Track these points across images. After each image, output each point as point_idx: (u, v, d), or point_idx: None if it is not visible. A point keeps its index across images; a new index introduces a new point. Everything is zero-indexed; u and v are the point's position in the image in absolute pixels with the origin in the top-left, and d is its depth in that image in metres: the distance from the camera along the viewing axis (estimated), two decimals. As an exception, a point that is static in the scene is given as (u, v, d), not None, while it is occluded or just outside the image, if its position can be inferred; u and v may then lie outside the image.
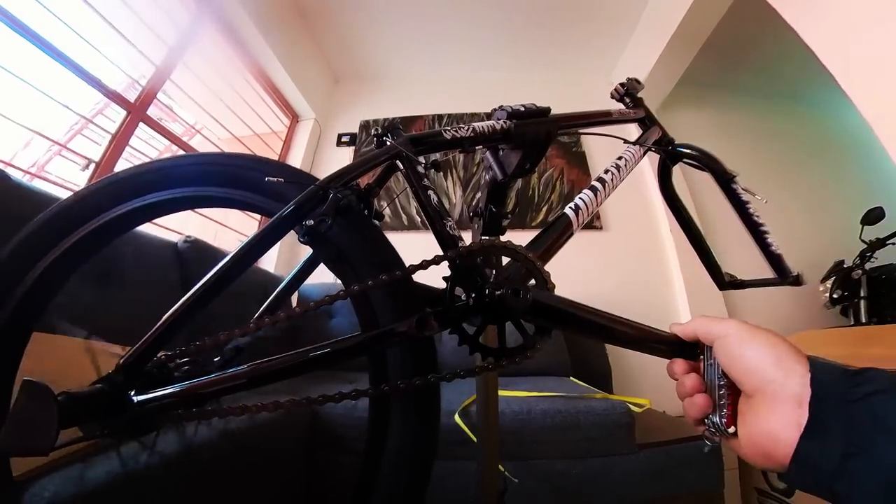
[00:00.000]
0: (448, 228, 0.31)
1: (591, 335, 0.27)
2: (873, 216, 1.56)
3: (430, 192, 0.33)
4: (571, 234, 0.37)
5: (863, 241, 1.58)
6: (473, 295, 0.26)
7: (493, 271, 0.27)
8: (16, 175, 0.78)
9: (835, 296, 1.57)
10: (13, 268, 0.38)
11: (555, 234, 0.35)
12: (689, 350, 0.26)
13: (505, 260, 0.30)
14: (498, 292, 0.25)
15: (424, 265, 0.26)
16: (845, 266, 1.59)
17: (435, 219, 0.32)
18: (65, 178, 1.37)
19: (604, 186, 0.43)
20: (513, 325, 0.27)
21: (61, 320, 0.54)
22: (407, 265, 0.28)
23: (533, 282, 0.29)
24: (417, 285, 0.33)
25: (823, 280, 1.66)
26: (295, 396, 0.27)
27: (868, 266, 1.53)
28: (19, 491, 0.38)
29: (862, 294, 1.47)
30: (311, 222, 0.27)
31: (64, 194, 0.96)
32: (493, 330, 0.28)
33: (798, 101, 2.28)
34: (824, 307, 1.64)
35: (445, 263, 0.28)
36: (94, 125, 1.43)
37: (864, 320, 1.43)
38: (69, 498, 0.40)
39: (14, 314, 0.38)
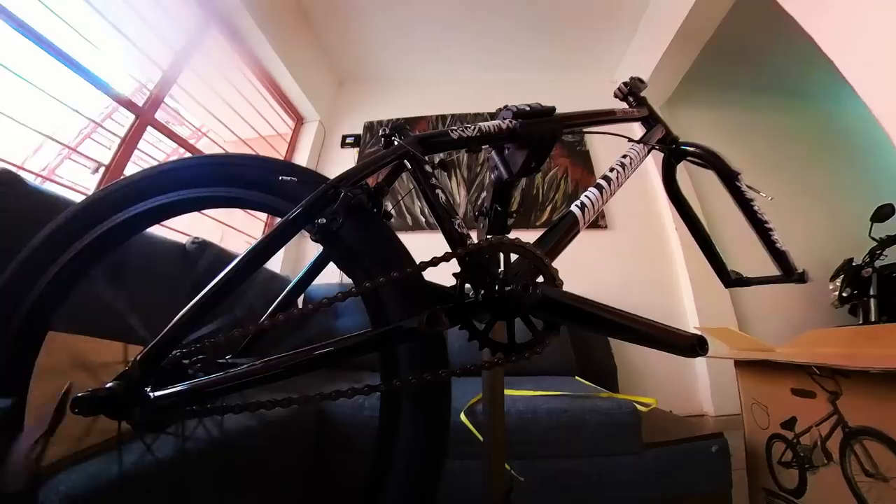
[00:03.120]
0: (457, 227, 0.32)
1: (599, 331, 0.27)
2: (883, 213, 1.54)
3: (438, 192, 0.33)
4: (578, 231, 0.37)
5: (872, 239, 1.56)
6: (483, 291, 0.27)
7: (502, 268, 0.28)
8: (30, 179, 0.80)
9: (844, 294, 1.55)
10: (31, 269, 0.39)
11: (562, 232, 0.36)
12: (699, 347, 0.26)
13: (513, 258, 0.31)
14: (507, 288, 0.25)
15: (435, 262, 0.27)
16: (855, 264, 1.57)
17: (444, 218, 0.32)
18: (75, 182, 1.39)
19: (609, 185, 0.43)
20: (522, 320, 0.27)
21: (77, 319, 0.56)
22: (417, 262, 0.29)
23: (541, 278, 0.29)
24: (426, 283, 0.34)
25: (833, 278, 1.64)
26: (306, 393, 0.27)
27: (878, 264, 1.51)
28: (36, 486, 0.39)
29: (871, 293, 1.45)
30: (323, 220, 0.28)
31: (75, 197, 0.98)
32: (502, 327, 0.29)
33: (806, 98, 2.26)
34: (833, 306, 1.62)
35: (454, 262, 0.28)
36: (103, 129, 1.45)
37: (873, 319, 1.41)
38: (84, 493, 0.41)
39: (31, 313, 0.39)
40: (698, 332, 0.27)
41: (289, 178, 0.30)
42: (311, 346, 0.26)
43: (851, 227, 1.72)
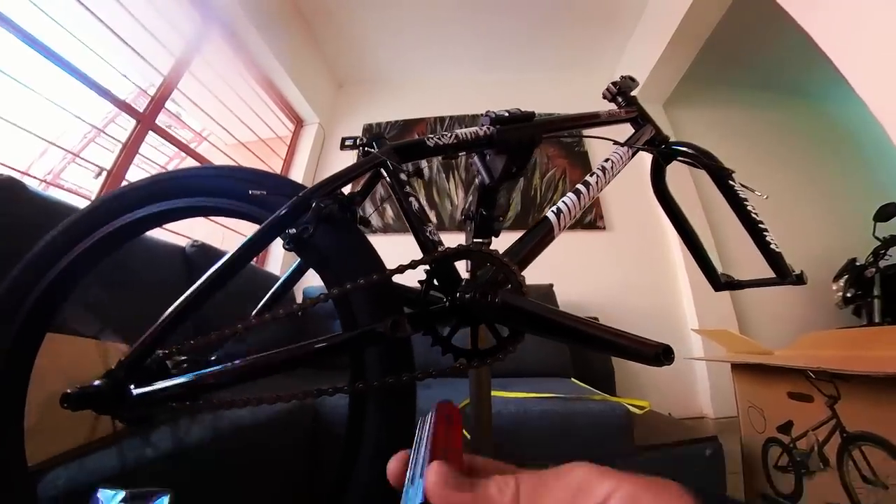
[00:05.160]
0: (428, 234, 0.32)
1: (561, 338, 0.27)
2: (887, 212, 1.51)
3: (412, 199, 0.34)
4: (553, 238, 0.37)
5: (876, 239, 1.54)
6: (448, 298, 0.27)
7: (468, 276, 0.28)
8: (32, 184, 0.82)
9: (847, 295, 1.52)
10: (33, 271, 0.41)
11: (536, 239, 0.36)
12: (663, 356, 0.26)
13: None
14: (468, 295, 0.26)
15: (401, 269, 0.28)
16: (858, 264, 1.55)
17: (416, 225, 0.33)
18: (79, 185, 1.43)
19: (588, 189, 0.43)
20: (487, 327, 0.28)
21: (76, 321, 0.58)
22: (389, 268, 0.29)
23: (509, 287, 0.29)
24: (401, 287, 0.35)
25: (836, 279, 1.61)
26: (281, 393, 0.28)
27: (882, 264, 1.49)
28: (34, 480, 0.41)
29: (875, 293, 1.43)
30: (294, 231, 0.29)
31: (77, 201, 1.01)
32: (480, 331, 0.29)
33: (807, 96, 2.23)
34: (837, 307, 1.59)
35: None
36: (105, 134, 1.49)
37: (877, 320, 1.39)
38: (80, 487, 0.42)
39: (30, 316, 0.41)
40: (664, 343, 0.27)
41: (258, 192, 0.32)
42: (282, 349, 0.27)
43: (855, 226, 1.69)
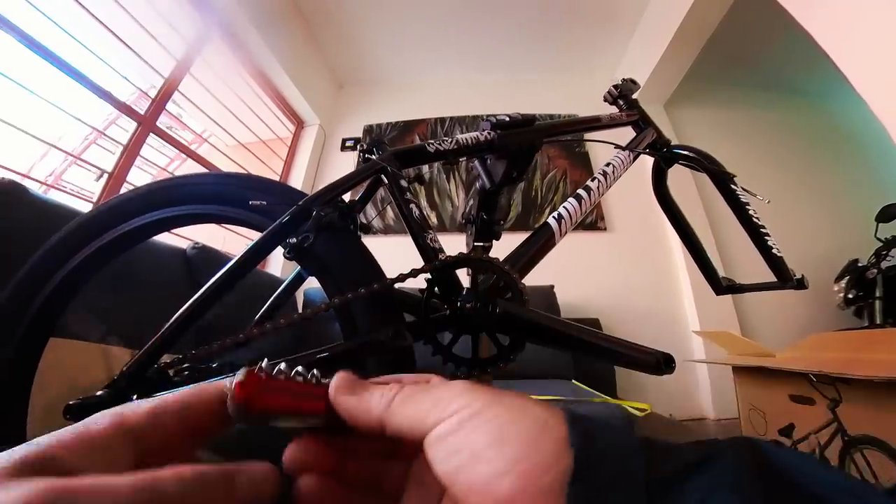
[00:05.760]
0: (429, 241, 0.32)
1: (562, 347, 0.27)
2: (889, 213, 1.51)
3: (412, 206, 0.34)
4: (554, 244, 0.37)
5: (878, 240, 1.53)
6: (448, 306, 0.27)
7: (468, 284, 0.28)
8: (34, 187, 0.82)
9: (849, 296, 1.52)
10: (37, 276, 0.41)
11: (537, 245, 0.36)
12: (664, 365, 0.26)
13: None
14: (468, 304, 0.26)
15: (402, 278, 0.28)
16: (860, 265, 1.54)
17: (417, 232, 0.33)
18: (80, 188, 1.43)
19: (589, 195, 0.43)
20: (488, 336, 0.28)
21: (78, 325, 0.58)
22: (391, 275, 0.30)
23: (510, 295, 0.29)
24: (401, 293, 0.35)
25: (837, 280, 1.61)
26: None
27: (884, 265, 1.48)
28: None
29: (877, 294, 1.42)
30: (294, 240, 0.29)
31: (78, 204, 1.01)
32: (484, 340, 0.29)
33: (809, 96, 2.22)
34: (838, 308, 1.59)
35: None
36: (106, 136, 1.49)
37: (878, 321, 1.38)
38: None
39: (32, 322, 0.41)
40: (665, 351, 0.27)
41: (258, 203, 0.32)
42: (283, 359, 0.27)
43: (856, 227, 1.68)
